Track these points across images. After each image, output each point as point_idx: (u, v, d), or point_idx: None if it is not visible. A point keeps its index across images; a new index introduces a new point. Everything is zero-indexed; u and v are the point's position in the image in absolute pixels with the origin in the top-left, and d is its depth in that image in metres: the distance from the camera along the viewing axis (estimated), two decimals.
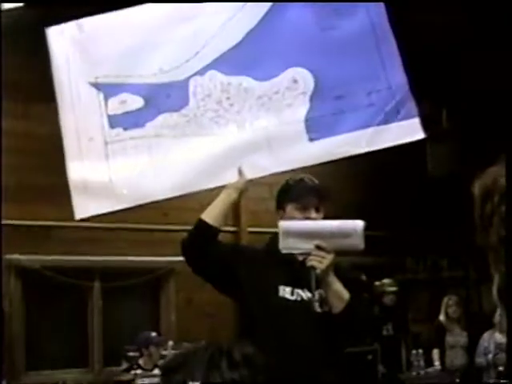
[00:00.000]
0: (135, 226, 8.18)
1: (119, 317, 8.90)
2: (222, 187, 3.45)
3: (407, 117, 3.40)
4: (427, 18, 7.55)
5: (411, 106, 3.42)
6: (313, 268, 3.19)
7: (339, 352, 3.39)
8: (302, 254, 3.28)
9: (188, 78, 3.58)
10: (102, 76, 3.63)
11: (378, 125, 3.41)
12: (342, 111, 3.46)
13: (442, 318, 9.00)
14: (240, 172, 3.42)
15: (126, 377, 7.10)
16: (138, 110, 3.59)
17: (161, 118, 3.57)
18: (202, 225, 3.34)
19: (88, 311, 8.75)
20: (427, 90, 8.78)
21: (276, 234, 3.35)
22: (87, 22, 3.72)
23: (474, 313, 9.61)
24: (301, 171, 3.55)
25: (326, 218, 3.43)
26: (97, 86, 3.63)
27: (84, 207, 3.58)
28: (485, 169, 1.18)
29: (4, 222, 7.49)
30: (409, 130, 3.39)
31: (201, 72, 3.58)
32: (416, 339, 9.44)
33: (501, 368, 7.58)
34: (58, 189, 8.05)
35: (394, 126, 3.39)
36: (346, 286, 3.27)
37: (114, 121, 3.59)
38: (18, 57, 7.95)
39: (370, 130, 3.41)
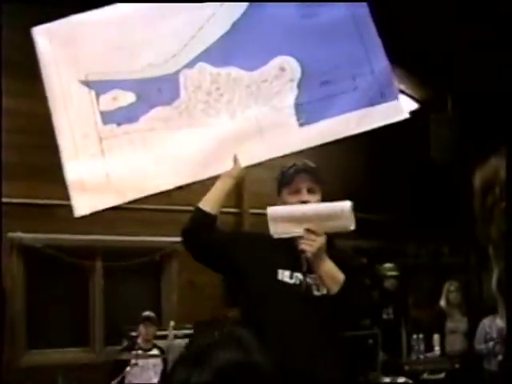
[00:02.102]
0: (138, 205, 8.16)
1: (121, 296, 8.92)
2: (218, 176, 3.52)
3: (390, 99, 3.50)
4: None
5: (394, 88, 3.55)
6: (303, 251, 3.22)
7: (338, 335, 3.39)
8: (293, 237, 3.30)
9: (178, 72, 3.62)
10: (92, 73, 3.65)
11: (364, 107, 3.50)
12: (328, 96, 3.52)
13: (442, 303, 9.02)
14: (235, 160, 3.48)
15: (127, 356, 7.12)
16: (130, 105, 3.62)
17: (153, 112, 3.61)
18: (199, 213, 3.42)
19: (90, 290, 8.77)
20: (432, 76, 8.77)
21: None
22: (73, 19, 3.72)
23: (475, 299, 9.62)
24: (303, 155, 3.57)
25: (327, 200, 3.44)
26: (87, 83, 3.65)
27: (83, 204, 3.59)
28: (485, 159, 1.17)
29: (6, 200, 7.52)
30: (393, 111, 3.50)
31: (190, 65, 3.61)
32: (416, 324, 9.45)
33: (501, 357, 7.57)
34: (60, 168, 8.11)
35: (378, 107, 3.49)
36: (344, 268, 3.27)
37: (106, 117, 3.61)
38: (21, 35, 7.92)
39: (357, 112, 3.49)
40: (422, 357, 8.68)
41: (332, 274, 3.25)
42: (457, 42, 7.97)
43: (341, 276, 3.24)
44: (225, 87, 3.61)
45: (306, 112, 3.54)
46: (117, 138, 3.60)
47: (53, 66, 3.69)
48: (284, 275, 3.34)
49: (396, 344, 8.74)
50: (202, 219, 3.41)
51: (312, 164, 3.51)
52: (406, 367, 8.40)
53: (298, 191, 3.40)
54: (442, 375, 8.36)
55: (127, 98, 3.62)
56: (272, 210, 3.36)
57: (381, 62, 3.53)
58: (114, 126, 3.61)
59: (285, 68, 3.58)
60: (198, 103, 3.61)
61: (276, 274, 3.34)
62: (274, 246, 3.36)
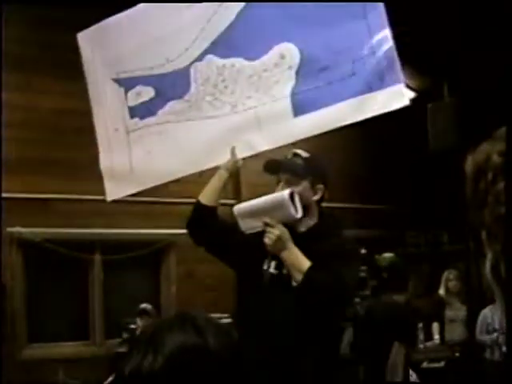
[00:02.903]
0: (136, 198, 8.15)
1: (120, 289, 8.92)
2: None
3: (392, 83, 3.32)
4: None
5: (396, 71, 3.34)
6: (266, 244, 3.29)
7: (321, 324, 3.32)
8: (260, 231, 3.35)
9: (189, 65, 3.81)
10: (122, 72, 4.01)
11: (362, 94, 3.38)
12: (326, 83, 3.47)
13: (441, 292, 9.01)
14: (232, 152, 3.62)
15: (126, 348, 7.12)
16: (151, 99, 3.94)
17: (168, 106, 3.88)
18: (198, 206, 3.62)
19: (89, 284, 8.77)
20: (429, 63, 8.75)
21: None
22: (108, 23, 4.08)
23: (474, 287, 9.62)
24: (301, 146, 3.57)
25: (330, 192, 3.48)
26: (118, 81, 4.01)
27: (113, 191, 4.05)
28: (478, 145, 1.17)
29: (6, 194, 7.52)
30: (393, 98, 3.32)
31: (200, 58, 3.79)
32: (416, 313, 9.45)
33: (505, 348, 7.51)
34: (59, 162, 8.12)
35: (378, 94, 3.34)
36: (325, 256, 3.25)
37: (132, 111, 3.99)
38: (21, 29, 7.92)
39: (354, 100, 3.39)
40: (421, 346, 8.69)
41: (294, 262, 3.25)
42: (456, 35, 7.96)
43: (305, 264, 3.21)
44: (229, 79, 3.71)
45: (301, 102, 3.52)
46: (139, 130, 3.94)
47: (92, 69, 4.10)
48: (269, 265, 3.37)
49: None
50: (201, 211, 3.59)
51: (302, 155, 3.48)
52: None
53: (278, 183, 3.45)
54: (442, 364, 8.36)
55: (148, 93, 3.95)
56: (236, 208, 3.45)
57: (384, 43, 3.34)
58: (138, 119, 3.96)
59: (284, 55, 3.58)
60: (205, 95, 3.78)
61: (262, 263, 3.38)
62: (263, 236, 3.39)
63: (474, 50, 8.03)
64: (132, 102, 3.99)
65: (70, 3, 7.41)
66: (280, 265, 3.32)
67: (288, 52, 3.56)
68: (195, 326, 1.34)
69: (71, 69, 8.08)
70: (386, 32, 3.36)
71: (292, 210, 3.24)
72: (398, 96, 3.32)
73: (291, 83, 3.55)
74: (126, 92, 4.00)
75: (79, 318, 8.76)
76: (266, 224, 3.27)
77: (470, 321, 8.56)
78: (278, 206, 3.27)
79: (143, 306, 7.59)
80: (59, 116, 8.24)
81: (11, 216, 7.76)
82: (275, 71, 3.59)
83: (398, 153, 10.24)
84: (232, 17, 3.69)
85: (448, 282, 9.03)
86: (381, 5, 3.38)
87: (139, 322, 7.42)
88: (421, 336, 8.72)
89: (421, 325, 8.78)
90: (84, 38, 4.16)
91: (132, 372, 1.28)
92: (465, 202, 1.20)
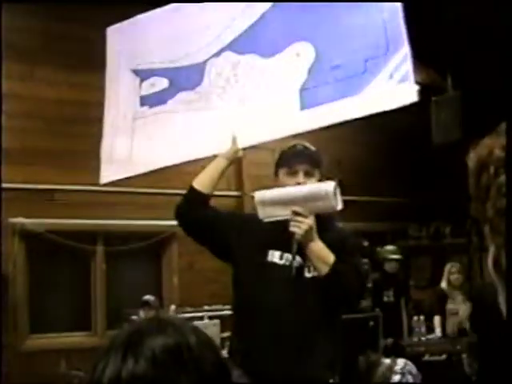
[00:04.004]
0: (138, 189, 8.18)
1: (122, 280, 8.94)
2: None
3: (401, 80, 3.28)
4: None
5: (406, 69, 3.29)
6: (293, 234, 3.23)
7: (332, 317, 3.37)
8: (283, 220, 3.31)
9: (206, 60, 3.90)
10: (142, 63, 4.16)
11: (370, 90, 3.35)
12: (336, 80, 3.46)
13: (443, 284, 9.00)
14: (233, 141, 3.59)
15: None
16: (163, 90, 4.05)
17: (179, 96, 3.97)
18: (192, 191, 3.56)
19: (91, 274, 8.79)
20: (433, 56, 8.74)
21: None
22: (137, 20, 4.26)
23: (476, 280, 9.62)
24: (304, 139, 3.58)
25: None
26: (136, 72, 4.17)
27: (107, 174, 4.12)
28: (480, 139, 1.17)
29: (8, 185, 7.53)
30: (401, 95, 3.28)
31: (218, 53, 3.86)
32: (418, 306, 9.47)
33: None
34: (61, 152, 8.13)
35: (385, 91, 3.31)
36: (338, 249, 3.27)
37: (143, 100, 4.12)
38: (24, 19, 7.92)
39: (360, 96, 3.37)
40: (423, 338, 8.71)
41: (321, 254, 3.25)
42: (460, 27, 7.95)
43: (331, 257, 3.23)
44: (242, 74, 3.77)
45: (309, 96, 3.52)
46: (145, 118, 4.06)
47: (115, 58, 4.26)
48: (274, 256, 3.35)
49: (396, 326, 8.76)
50: (194, 197, 3.54)
51: (312, 147, 3.51)
52: (408, 349, 8.41)
53: (295, 173, 3.42)
54: (443, 357, 8.37)
55: (162, 83, 4.06)
56: (259, 194, 3.42)
57: (398, 40, 3.30)
58: (147, 108, 4.08)
59: (300, 53, 3.60)
60: (216, 89, 3.84)
61: (266, 254, 3.36)
62: (267, 227, 3.38)
63: (478, 48, 8.02)
64: (145, 92, 4.10)
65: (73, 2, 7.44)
66: (283, 255, 3.32)
67: (304, 50, 3.57)
68: (174, 327, 1.31)
69: (74, 59, 8.14)
70: (402, 33, 3.32)
71: (334, 201, 3.24)
72: (405, 93, 3.28)
73: (302, 79, 3.56)
74: (141, 82, 4.13)
75: (81, 308, 8.78)
76: (296, 213, 3.24)
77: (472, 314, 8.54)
78: (319, 196, 3.25)
79: (146, 297, 7.59)
80: (62, 106, 8.24)
81: (13, 207, 7.77)
82: (289, 68, 3.61)
83: (401, 145, 10.24)
84: (256, 16, 3.75)
85: (450, 274, 9.03)
86: (399, 6, 3.35)
87: (142, 313, 7.42)
88: (422, 329, 8.75)
89: (422, 317, 8.81)
90: (112, 33, 4.33)
91: (111, 379, 1.23)
92: (467, 196, 1.20)
